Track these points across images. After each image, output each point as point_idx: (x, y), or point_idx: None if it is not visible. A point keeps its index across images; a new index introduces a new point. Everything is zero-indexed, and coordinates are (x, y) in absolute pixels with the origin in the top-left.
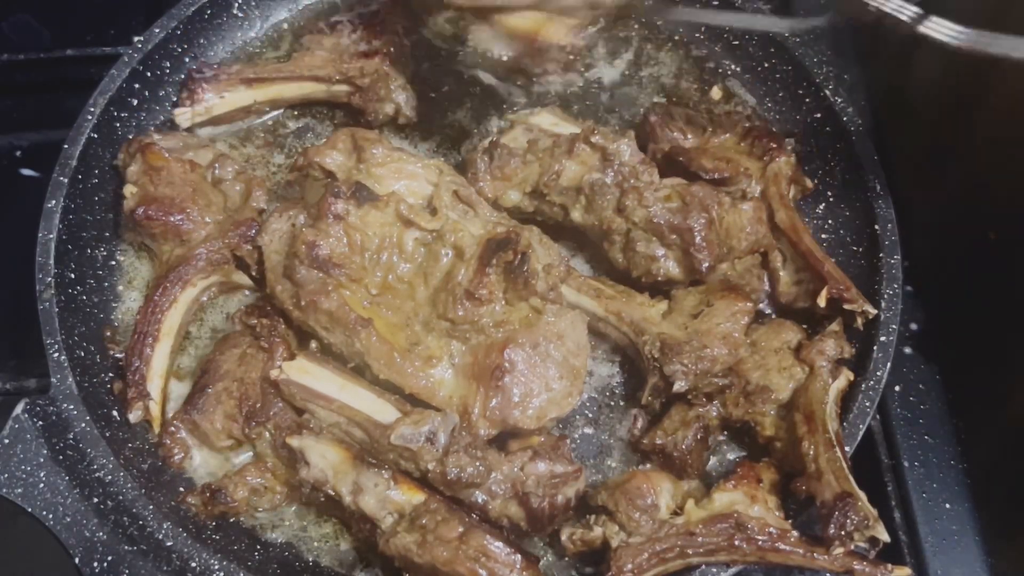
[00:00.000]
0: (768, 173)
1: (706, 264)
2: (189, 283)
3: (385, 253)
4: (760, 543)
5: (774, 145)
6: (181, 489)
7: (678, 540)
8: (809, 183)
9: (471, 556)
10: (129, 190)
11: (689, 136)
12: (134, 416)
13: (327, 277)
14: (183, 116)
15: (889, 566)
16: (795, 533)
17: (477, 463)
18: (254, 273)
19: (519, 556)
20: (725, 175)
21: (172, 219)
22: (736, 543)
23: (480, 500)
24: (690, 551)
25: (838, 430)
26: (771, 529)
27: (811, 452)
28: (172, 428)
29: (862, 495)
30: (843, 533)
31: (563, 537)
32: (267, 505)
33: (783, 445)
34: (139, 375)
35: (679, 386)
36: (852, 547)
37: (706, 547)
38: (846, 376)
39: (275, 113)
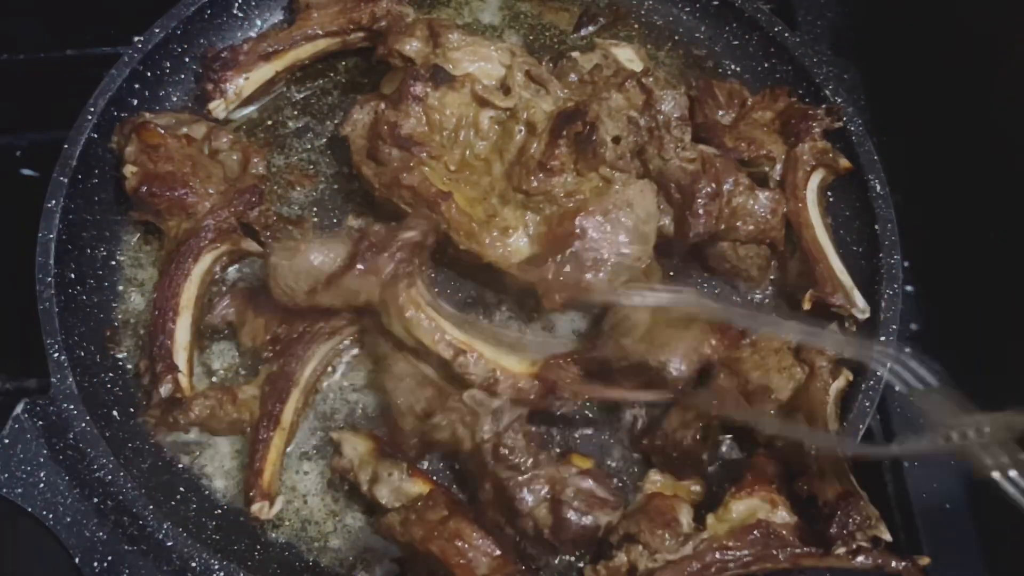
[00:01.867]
0: (790, 158)
1: (695, 231)
2: (200, 254)
3: (462, 131)
4: (796, 550)
5: (802, 128)
6: (182, 489)
7: (716, 555)
8: (844, 163)
9: (446, 536)
10: (129, 170)
11: (729, 111)
12: (165, 390)
13: (409, 155)
14: (218, 108)
15: (915, 557)
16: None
17: (528, 454)
18: (262, 239)
19: (495, 548)
20: (743, 156)
21: (176, 193)
22: (773, 552)
23: (515, 491)
24: (731, 564)
25: (839, 430)
26: (801, 534)
27: (813, 452)
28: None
29: (864, 495)
30: (845, 532)
31: (586, 572)
32: (213, 426)
33: (784, 445)
34: (164, 349)
35: (596, 354)
36: (855, 546)
37: (744, 559)
38: (845, 376)
39: (275, 110)
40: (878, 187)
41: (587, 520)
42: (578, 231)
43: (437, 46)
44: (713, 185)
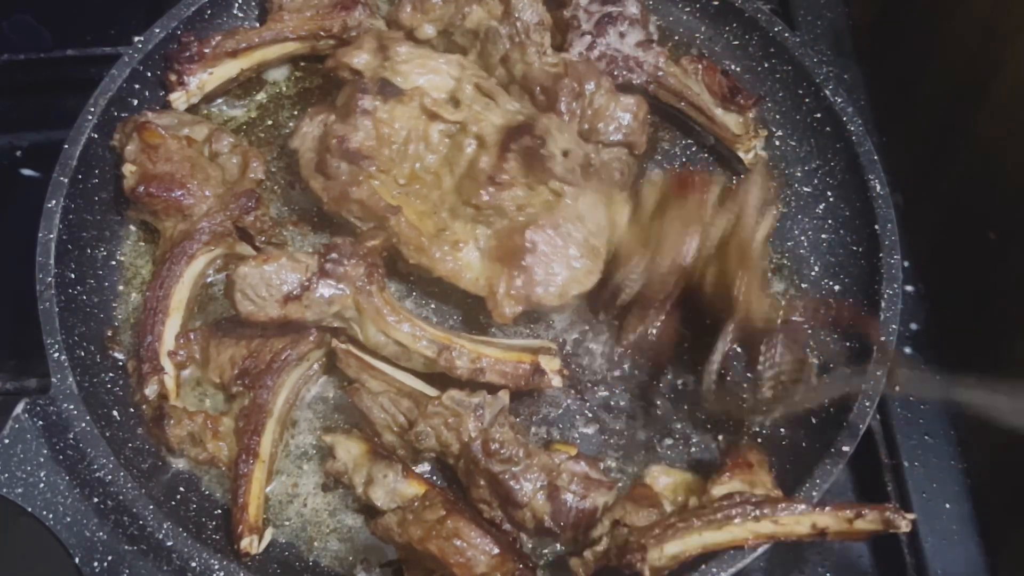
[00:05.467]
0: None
1: None
2: (194, 257)
3: (412, 145)
4: (774, 508)
5: None
6: (182, 489)
7: (691, 513)
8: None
9: (444, 536)
10: (128, 169)
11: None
12: (150, 391)
13: (357, 169)
14: (179, 100)
15: (895, 505)
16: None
17: (518, 445)
18: (257, 244)
19: (494, 546)
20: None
21: (173, 195)
22: (749, 509)
23: (511, 483)
24: (706, 518)
25: (767, 269)
26: (777, 497)
27: (742, 288)
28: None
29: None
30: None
31: (572, 563)
32: (194, 456)
33: (716, 292)
34: (152, 350)
35: (622, 299)
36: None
37: (722, 516)
38: (773, 215)
39: (274, 110)
40: (878, 187)
41: (585, 503)
42: (529, 245)
43: (386, 59)
44: (575, 85)
